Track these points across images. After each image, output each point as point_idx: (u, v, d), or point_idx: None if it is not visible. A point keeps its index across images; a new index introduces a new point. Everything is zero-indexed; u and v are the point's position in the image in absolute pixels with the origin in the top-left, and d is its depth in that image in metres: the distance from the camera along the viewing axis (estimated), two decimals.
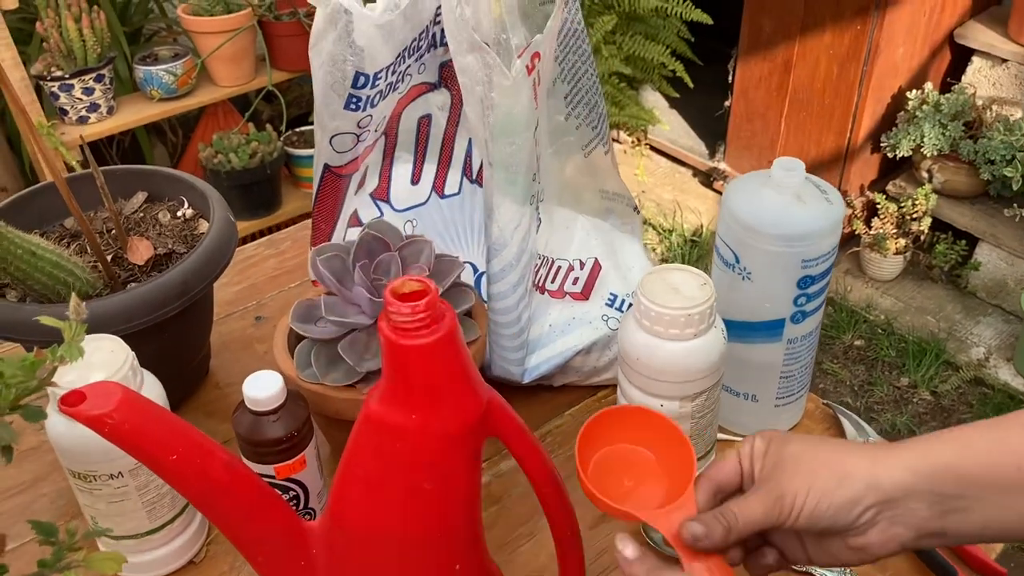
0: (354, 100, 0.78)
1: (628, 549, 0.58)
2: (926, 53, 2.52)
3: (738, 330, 0.82)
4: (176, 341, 0.85)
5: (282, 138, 2.57)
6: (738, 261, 0.79)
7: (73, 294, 0.49)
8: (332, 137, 0.81)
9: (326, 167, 0.85)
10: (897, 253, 2.52)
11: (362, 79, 0.76)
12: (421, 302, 0.52)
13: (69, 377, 0.63)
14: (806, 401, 0.93)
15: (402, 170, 0.94)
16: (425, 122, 0.90)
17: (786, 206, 0.77)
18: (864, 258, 2.58)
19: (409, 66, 0.81)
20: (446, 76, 0.86)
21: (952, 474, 0.54)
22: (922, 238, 2.53)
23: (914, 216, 2.48)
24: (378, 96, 0.80)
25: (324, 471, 0.77)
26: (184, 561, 0.78)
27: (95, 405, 0.52)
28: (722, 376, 0.78)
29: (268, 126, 2.52)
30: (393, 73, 0.79)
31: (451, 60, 0.80)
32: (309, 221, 1.24)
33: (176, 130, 2.82)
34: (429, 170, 0.93)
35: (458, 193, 0.91)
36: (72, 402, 0.52)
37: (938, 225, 2.52)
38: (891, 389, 2.33)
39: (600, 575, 0.77)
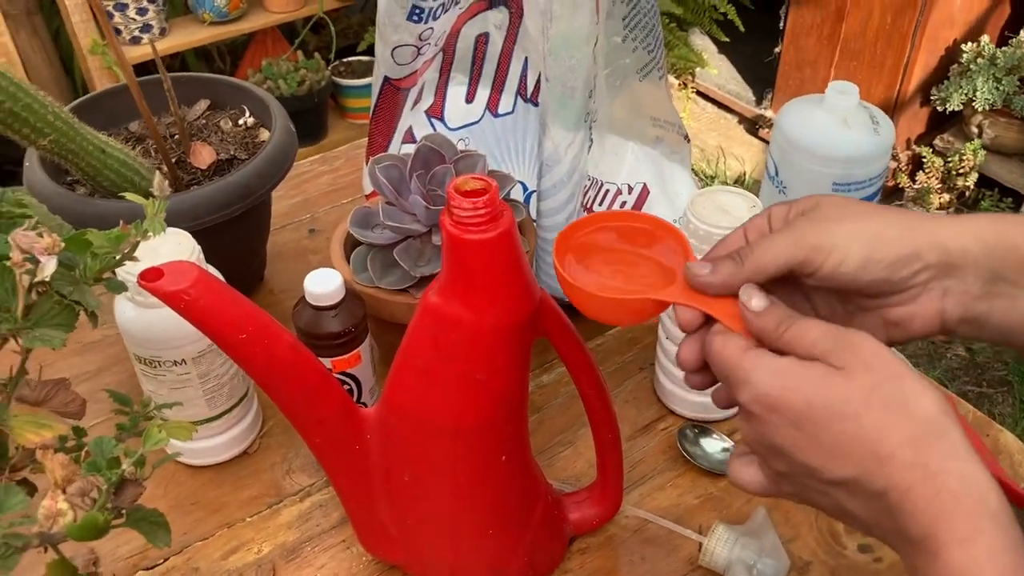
0: (417, 11, 0.80)
1: (754, 300, 0.49)
2: (985, 4, 2.47)
3: None
4: (236, 243, 0.89)
5: (330, 67, 2.59)
6: (777, 173, 0.81)
7: (158, 172, 0.52)
8: (393, 49, 0.83)
9: (386, 79, 0.87)
10: (940, 208, 2.51)
11: None
12: (482, 198, 0.54)
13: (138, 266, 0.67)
14: None
15: (457, 90, 0.96)
16: (482, 40, 0.91)
17: (828, 127, 0.79)
18: None
19: None
20: None
21: (1016, 255, 0.49)
22: (967, 194, 2.51)
23: (960, 171, 2.46)
24: (440, 9, 0.81)
25: (376, 371, 0.81)
26: (238, 451, 0.82)
27: (172, 281, 0.55)
28: None
29: (316, 55, 2.54)
30: None
31: None
32: (361, 141, 1.26)
33: (224, 56, 2.84)
34: (484, 90, 0.95)
35: (512, 112, 0.92)
36: (151, 278, 0.55)
37: (984, 181, 2.49)
38: (925, 343, 2.33)
39: (636, 483, 0.80)
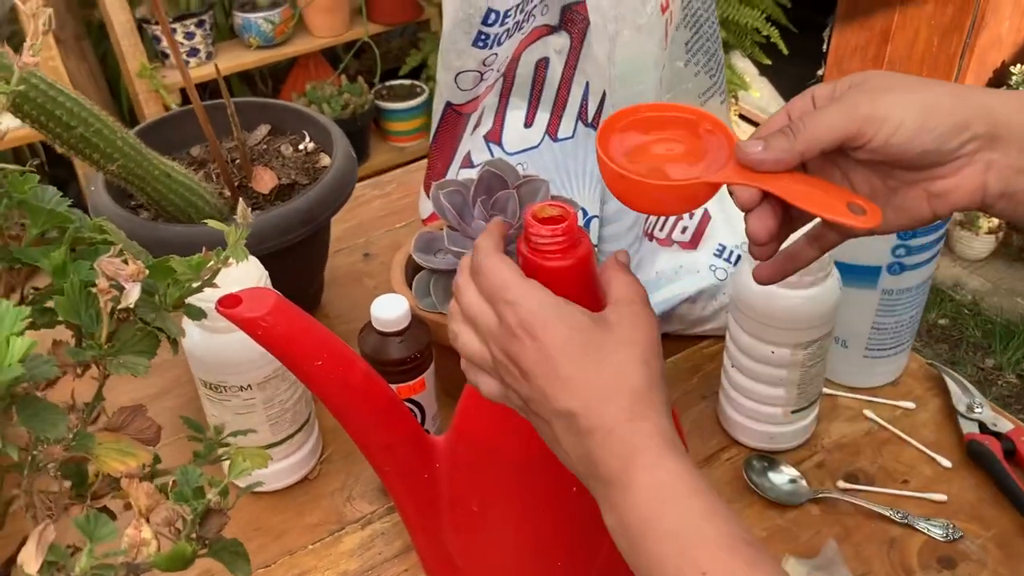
0: (482, 37, 0.80)
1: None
2: None
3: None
4: (297, 268, 0.89)
5: (373, 91, 2.60)
6: None
7: (241, 199, 0.51)
8: (457, 75, 0.83)
9: (448, 105, 0.87)
10: (989, 232, 2.47)
11: (493, 16, 0.78)
12: (560, 226, 0.54)
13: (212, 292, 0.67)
14: (907, 360, 0.93)
15: (516, 115, 0.95)
16: (542, 65, 0.91)
17: None
18: (953, 236, 2.53)
19: (535, 5, 0.82)
20: (567, 19, 0.87)
21: None
22: None
23: None
24: (505, 35, 0.81)
25: (438, 398, 0.80)
26: (299, 476, 0.82)
27: (251, 308, 0.55)
28: (834, 326, 0.78)
29: (360, 78, 2.55)
30: (521, 12, 0.80)
31: (574, 2, 0.81)
32: (413, 165, 1.26)
33: (267, 80, 2.86)
34: (543, 115, 0.94)
35: (571, 137, 0.92)
36: (229, 304, 0.55)
37: None
38: (975, 370, 2.29)
39: None
